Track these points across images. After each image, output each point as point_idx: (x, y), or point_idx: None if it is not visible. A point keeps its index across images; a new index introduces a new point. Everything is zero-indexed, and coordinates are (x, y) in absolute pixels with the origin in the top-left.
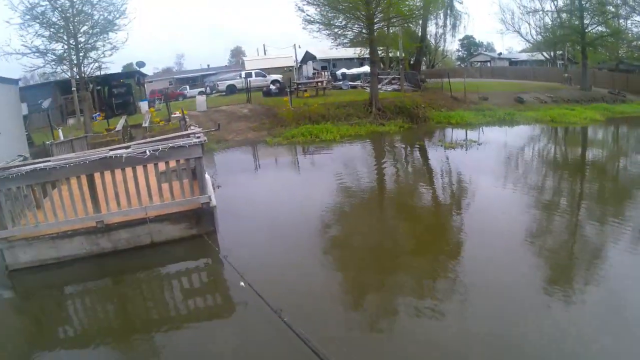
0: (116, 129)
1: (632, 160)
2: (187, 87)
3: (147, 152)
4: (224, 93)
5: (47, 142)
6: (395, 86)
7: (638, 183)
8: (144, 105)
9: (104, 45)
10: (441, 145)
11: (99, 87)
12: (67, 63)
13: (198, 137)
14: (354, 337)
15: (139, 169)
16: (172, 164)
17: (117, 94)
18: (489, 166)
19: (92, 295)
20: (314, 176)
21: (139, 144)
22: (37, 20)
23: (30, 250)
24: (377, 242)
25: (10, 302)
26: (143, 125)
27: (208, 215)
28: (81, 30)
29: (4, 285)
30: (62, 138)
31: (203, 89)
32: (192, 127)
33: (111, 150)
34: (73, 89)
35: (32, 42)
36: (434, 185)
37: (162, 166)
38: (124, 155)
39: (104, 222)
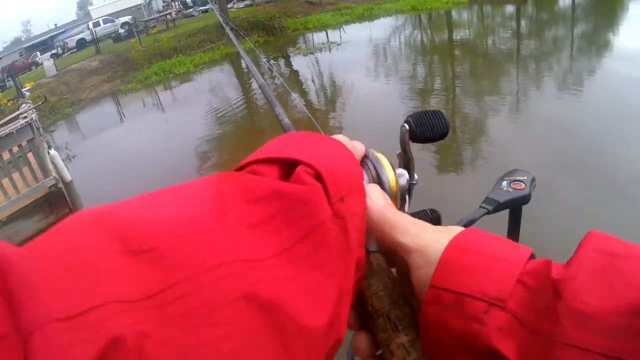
0: None
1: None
2: (38, 53)
3: None
4: (75, 50)
5: None
6: (247, 2)
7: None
8: None
9: None
10: (299, 53)
11: None
12: None
13: (25, 118)
14: None
15: None
16: (6, 155)
17: None
18: (353, 63)
19: None
20: (182, 113)
21: None
22: None
23: None
24: None
25: None
26: None
27: (60, 196)
28: None
29: None
30: None
31: (55, 51)
32: (22, 106)
33: None
34: None
35: None
36: (306, 91)
37: None
38: None
39: None
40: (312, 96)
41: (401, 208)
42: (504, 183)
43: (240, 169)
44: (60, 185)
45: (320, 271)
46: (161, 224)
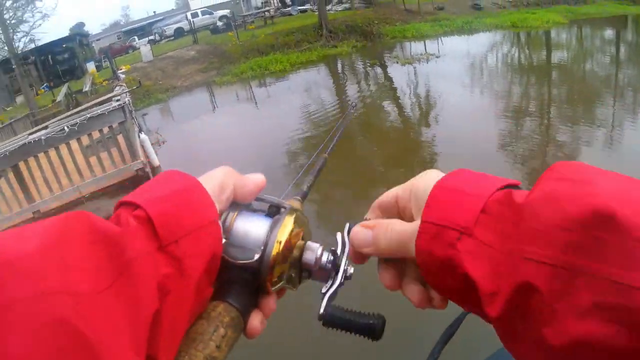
0: (57, 100)
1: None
2: (136, 37)
3: (66, 128)
4: (173, 38)
5: None
6: (346, 5)
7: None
8: (90, 67)
9: (33, 16)
10: (397, 62)
11: (42, 58)
12: None
13: (118, 100)
14: None
15: (63, 148)
16: (96, 134)
17: (61, 61)
18: (450, 77)
19: None
20: (275, 110)
21: (59, 120)
22: None
23: None
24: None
25: None
26: (84, 90)
27: (146, 180)
28: (6, 6)
29: None
30: None
31: (152, 37)
32: (117, 88)
33: (30, 134)
34: (13, 66)
35: None
36: (401, 103)
37: (85, 139)
38: (43, 137)
39: (40, 211)
40: (407, 108)
41: (305, 283)
42: None
43: (117, 206)
44: (148, 169)
45: (135, 306)
46: (7, 254)
